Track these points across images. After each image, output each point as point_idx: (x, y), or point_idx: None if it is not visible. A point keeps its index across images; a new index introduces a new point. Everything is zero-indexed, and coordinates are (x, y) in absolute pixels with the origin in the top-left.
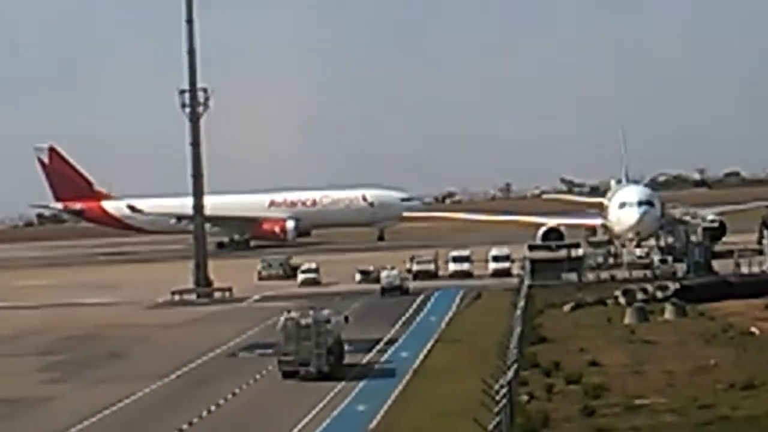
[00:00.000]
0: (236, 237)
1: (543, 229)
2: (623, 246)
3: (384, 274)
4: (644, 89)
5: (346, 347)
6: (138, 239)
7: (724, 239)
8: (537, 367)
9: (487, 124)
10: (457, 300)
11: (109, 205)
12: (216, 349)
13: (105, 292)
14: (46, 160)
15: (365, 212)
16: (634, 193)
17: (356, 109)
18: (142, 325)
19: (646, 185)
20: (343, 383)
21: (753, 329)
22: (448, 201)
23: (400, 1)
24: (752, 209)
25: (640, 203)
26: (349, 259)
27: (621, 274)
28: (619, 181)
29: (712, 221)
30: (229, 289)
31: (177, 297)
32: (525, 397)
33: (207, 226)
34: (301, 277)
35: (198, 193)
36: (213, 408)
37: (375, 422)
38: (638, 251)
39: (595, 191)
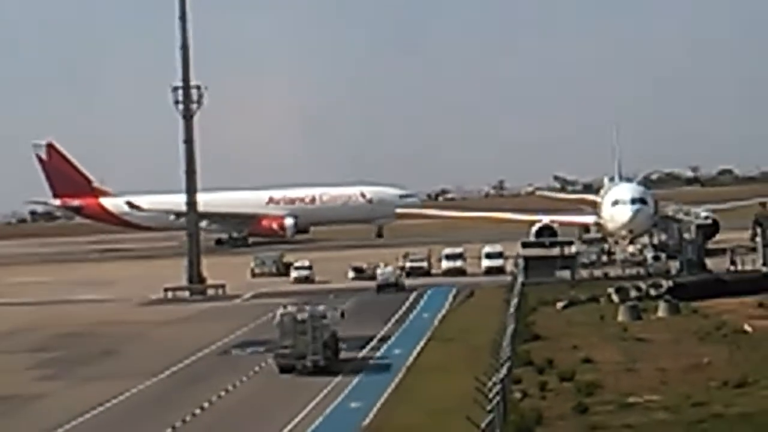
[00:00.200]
0: (234, 234)
1: (536, 227)
2: (616, 243)
3: (379, 271)
4: (638, 88)
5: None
6: (131, 236)
7: (717, 237)
8: (530, 364)
9: (481, 123)
10: (450, 297)
11: (107, 202)
12: (209, 347)
13: (98, 289)
14: (44, 156)
15: (363, 209)
16: (627, 190)
17: (352, 107)
18: (135, 323)
19: (639, 183)
20: (339, 377)
21: (746, 327)
22: (441, 198)
23: (397, 0)
24: (745, 207)
25: (633, 201)
26: (342, 256)
27: (614, 271)
28: (612, 179)
29: (705, 219)
30: (222, 287)
31: (170, 294)
32: (518, 395)
33: (205, 222)
34: (294, 274)
35: (191, 190)
36: (206, 405)
37: (368, 420)
38: (631, 249)
39: (589, 189)
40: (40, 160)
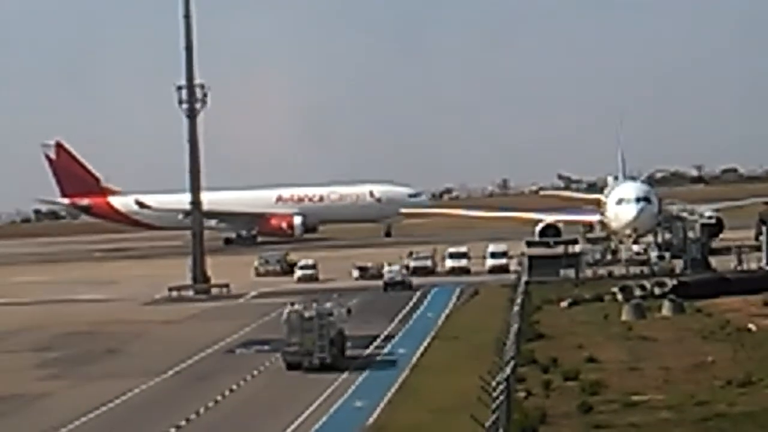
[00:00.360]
0: (243, 233)
1: (540, 226)
2: (621, 242)
3: (387, 269)
4: (642, 86)
5: None
6: (135, 235)
7: (721, 236)
8: (534, 363)
9: (485, 122)
10: (455, 296)
11: (116, 201)
12: (213, 346)
13: (102, 289)
14: (53, 156)
15: (372, 208)
16: (631, 189)
17: (356, 106)
18: (139, 322)
19: (643, 182)
20: (344, 374)
21: (750, 326)
22: (445, 197)
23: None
24: (749, 205)
25: (637, 200)
26: (346, 255)
27: (618, 270)
28: (616, 178)
29: (710, 218)
30: (227, 286)
31: (174, 293)
32: (522, 394)
33: (214, 222)
34: (298, 273)
35: (195, 190)
36: (211, 404)
37: (372, 418)
38: (636, 248)
39: (593, 188)
40: (49, 159)
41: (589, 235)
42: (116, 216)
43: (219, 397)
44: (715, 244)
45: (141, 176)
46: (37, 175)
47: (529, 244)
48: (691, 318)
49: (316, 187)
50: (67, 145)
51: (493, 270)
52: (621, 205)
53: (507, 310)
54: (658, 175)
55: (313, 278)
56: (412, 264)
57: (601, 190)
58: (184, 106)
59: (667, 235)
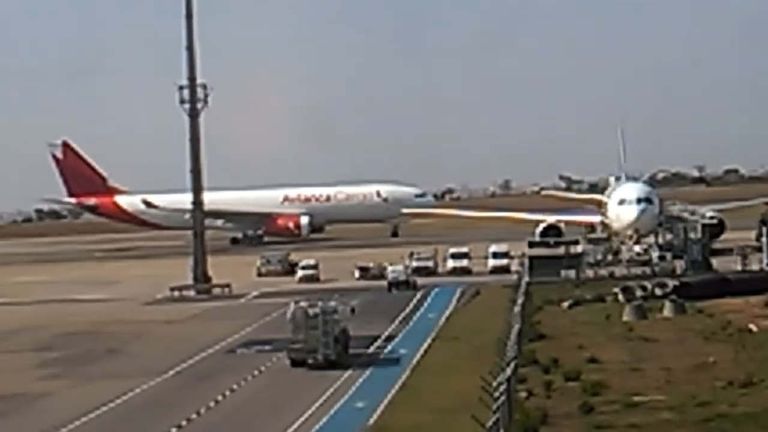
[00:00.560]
0: (250, 233)
1: (542, 226)
2: (622, 243)
3: (390, 268)
4: (643, 87)
5: None
6: (137, 235)
7: (723, 236)
8: (536, 364)
9: (487, 122)
10: (456, 297)
11: (122, 201)
12: (214, 346)
13: (103, 289)
14: (59, 155)
15: (379, 208)
16: (633, 190)
17: (357, 106)
18: (140, 322)
19: (644, 182)
20: (345, 375)
21: (751, 326)
22: (447, 198)
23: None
24: (754, 206)
25: (639, 200)
26: (348, 255)
27: (620, 271)
28: (617, 179)
29: (711, 218)
30: (228, 286)
31: (175, 293)
32: (524, 394)
33: (220, 221)
34: (299, 273)
35: (197, 189)
36: (212, 404)
37: (373, 419)
38: (637, 248)
39: (594, 188)
40: (56, 158)
41: (591, 236)
42: (123, 215)
43: (220, 397)
44: (716, 245)
45: (142, 176)
46: (39, 175)
47: (531, 244)
48: (692, 319)
49: (323, 187)
50: (73, 145)
51: (495, 270)
52: (622, 206)
53: (508, 311)
54: (660, 175)
55: (314, 278)
56: (414, 264)
57: (602, 191)
58: (186, 105)
59: (669, 236)
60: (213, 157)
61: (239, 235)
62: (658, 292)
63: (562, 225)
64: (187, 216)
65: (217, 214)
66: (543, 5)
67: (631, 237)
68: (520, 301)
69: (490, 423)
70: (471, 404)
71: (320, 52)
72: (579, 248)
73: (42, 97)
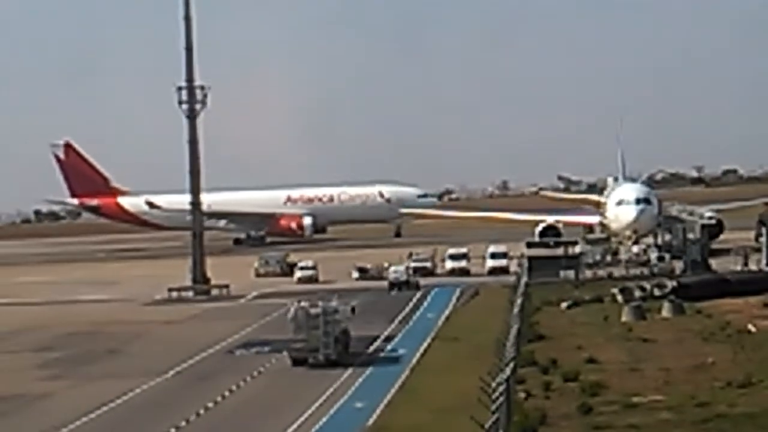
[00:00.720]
0: (252, 233)
1: (541, 227)
2: (621, 244)
3: (392, 269)
4: (642, 87)
5: None
6: (137, 236)
7: (721, 237)
8: (534, 364)
9: (485, 123)
10: (455, 297)
11: (125, 201)
12: (214, 347)
13: (103, 289)
14: (62, 156)
15: (382, 209)
16: (631, 190)
17: (355, 107)
18: (139, 322)
19: (643, 183)
20: (345, 375)
21: (750, 327)
22: (445, 198)
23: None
24: (750, 207)
25: (637, 201)
26: (347, 256)
27: (618, 271)
28: (616, 179)
29: (710, 219)
30: (227, 287)
31: (174, 294)
32: (522, 395)
33: (222, 222)
34: (298, 274)
35: (195, 190)
36: (211, 405)
37: (372, 419)
38: (636, 249)
39: (593, 189)
40: (58, 159)
41: (589, 237)
42: (125, 216)
43: (219, 398)
44: (715, 245)
45: (142, 177)
46: (38, 176)
47: (529, 245)
48: (691, 319)
49: (326, 188)
50: (76, 145)
51: (493, 271)
52: (621, 207)
53: (507, 311)
54: (658, 176)
55: (313, 279)
56: (412, 265)
57: (601, 191)
58: (184, 106)
59: (667, 237)
60: (213, 158)
61: (242, 235)
62: (656, 292)
63: (560, 225)
64: (189, 217)
65: (220, 215)
66: (543, 5)
67: (629, 237)
68: (518, 301)
69: (488, 423)
70: (470, 405)
71: (319, 52)
72: (578, 249)
73: (40, 97)
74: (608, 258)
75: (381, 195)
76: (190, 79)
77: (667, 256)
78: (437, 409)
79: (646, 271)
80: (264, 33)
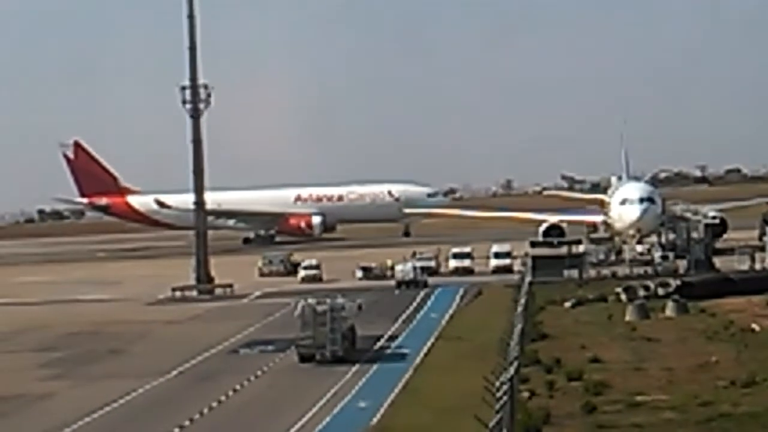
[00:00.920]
0: (262, 232)
1: (544, 226)
2: (624, 243)
3: (398, 268)
4: (645, 86)
5: None
6: (140, 235)
7: (725, 236)
8: (538, 363)
9: (489, 122)
10: (458, 297)
11: (135, 201)
12: (217, 346)
13: (106, 289)
14: (71, 155)
15: (391, 208)
16: (635, 189)
17: (359, 106)
18: (142, 322)
19: (647, 182)
20: (348, 376)
21: (754, 326)
22: (449, 197)
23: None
24: (755, 205)
25: (641, 200)
26: (350, 255)
27: (622, 270)
28: (620, 178)
29: (713, 218)
30: (230, 286)
31: (178, 293)
32: (526, 394)
33: (232, 221)
34: (302, 273)
35: (199, 190)
36: (214, 405)
37: (376, 419)
38: (639, 248)
39: (596, 188)
40: (67, 159)
41: (593, 236)
42: (135, 215)
43: (223, 398)
44: (718, 244)
45: (145, 177)
46: (42, 176)
47: (533, 244)
48: (694, 318)
49: (335, 187)
50: (85, 145)
51: (497, 270)
52: (625, 206)
53: (511, 311)
54: (662, 175)
55: (316, 278)
56: (416, 264)
57: (604, 191)
58: (188, 106)
59: (671, 236)
60: (217, 158)
61: (252, 234)
62: (660, 291)
63: (564, 225)
64: None
65: (229, 214)
66: (544, 5)
67: (633, 237)
68: (522, 300)
69: (492, 423)
70: (473, 404)
71: (322, 51)
72: (581, 248)
73: (43, 98)
74: (612, 257)
75: (390, 194)
76: (193, 78)
77: (670, 255)
78: (441, 408)
79: (649, 270)
80: (267, 32)
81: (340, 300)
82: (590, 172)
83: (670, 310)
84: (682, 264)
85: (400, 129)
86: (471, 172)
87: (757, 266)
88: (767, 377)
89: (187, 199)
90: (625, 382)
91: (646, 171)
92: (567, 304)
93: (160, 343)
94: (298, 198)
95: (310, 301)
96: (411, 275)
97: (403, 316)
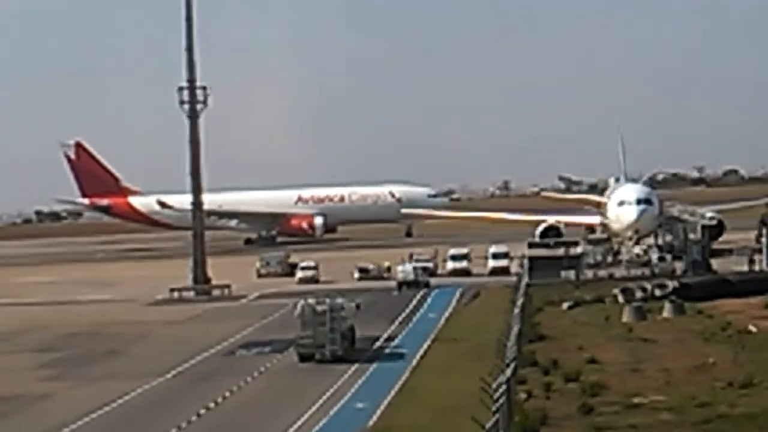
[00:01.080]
0: (263, 233)
1: (542, 227)
2: (622, 244)
3: (399, 268)
4: (643, 87)
5: None
6: (138, 236)
7: (722, 237)
8: (535, 365)
9: (486, 123)
10: (456, 298)
11: (136, 201)
12: (215, 347)
13: (104, 289)
14: (72, 156)
15: (392, 208)
16: (632, 191)
17: (356, 107)
18: (140, 323)
19: (644, 183)
20: (345, 377)
21: (751, 327)
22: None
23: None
24: (751, 207)
25: (638, 201)
26: (348, 256)
27: (619, 272)
28: (617, 180)
29: (711, 219)
30: (228, 287)
31: (175, 294)
32: (523, 395)
33: (234, 222)
34: (299, 274)
35: (196, 190)
36: (212, 405)
37: (372, 420)
38: (637, 249)
39: (594, 189)
40: (69, 159)
41: (591, 237)
42: (136, 216)
43: (220, 399)
44: (716, 245)
45: (143, 177)
46: (39, 177)
47: (530, 245)
48: (692, 319)
49: (337, 188)
50: (86, 145)
51: (495, 271)
52: (622, 207)
53: (508, 312)
54: (660, 176)
55: (314, 279)
56: (414, 265)
57: (601, 192)
58: (186, 107)
59: (668, 237)
60: (220, 158)
61: (253, 235)
62: (657, 293)
63: (561, 226)
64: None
65: (231, 215)
66: (543, 5)
67: (630, 238)
68: (519, 302)
69: (489, 424)
70: (471, 405)
71: (319, 52)
72: (579, 249)
73: (40, 99)
74: (609, 258)
75: (392, 195)
76: (191, 79)
77: (668, 256)
78: (438, 409)
79: (647, 271)
80: (268, 32)
81: (339, 300)
82: (588, 173)
83: (667, 311)
84: (679, 265)
85: (399, 129)
86: (468, 172)
87: (755, 268)
88: (764, 379)
89: (188, 200)
90: (622, 383)
91: (644, 172)
92: (564, 306)
93: (157, 344)
94: (299, 199)
95: (310, 301)
96: (412, 276)
97: (401, 317)
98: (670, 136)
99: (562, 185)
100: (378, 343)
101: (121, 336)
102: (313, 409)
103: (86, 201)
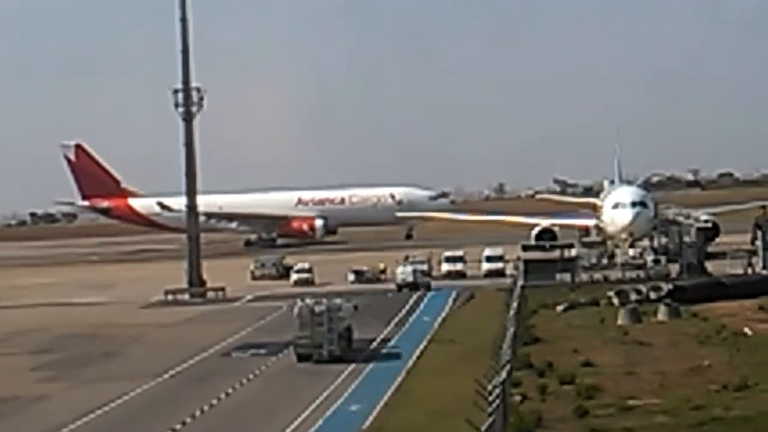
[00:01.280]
0: (264, 235)
1: (536, 230)
2: (616, 247)
3: (399, 270)
4: (638, 90)
5: None
6: (133, 238)
7: (717, 240)
8: (530, 367)
9: (481, 125)
10: (451, 300)
11: (136, 203)
12: (209, 349)
13: (99, 292)
14: (72, 157)
15: (393, 211)
16: (627, 193)
17: (352, 109)
18: (135, 325)
19: (639, 186)
20: (341, 377)
21: (746, 330)
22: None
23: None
24: (746, 210)
25: (633, 204)
26: (342, 259)
27: (614, 274)
28: (612, 182)
29: (706, 222)
30: (222, 289)
31: (170, 297)
32: (518, 398)
33: (234, 224)
34: (294, 277)
35: (191, 193)
36: (206, 407)
37: (368, 422)
38: (632, 252)
39: (589, 192)
40: (68, 161)
41: (585, 240)
42: (136, 218)
43: (215, 401)
44: (710, 248)
45: (141, 178)
46: (34, 179)
47: (525, 248)
48: (687, 322)
49: (337, 190)
50: (86, 147)
51: (489, 274)
52: (617, 210)
53: (503, 314)
54: (654, 179)
55: (308, 282)
56: (409, 268)
57: (597, 194)
58: (181, 109)
59: (663, 240)
60: (219, 159)
61: (253, 237)
62: (652, 295)
63: (556, 228)
64: (202, 219)
65: (230, 217)
66: (542, 6)
67: (625, 240)
68: (514, 304)
69: (484, 426)
70: (466, 407)
71: (317, 53)
72: (574, 252)
73: (35, 101)
74: (604, 261)
75: (392, 197)
76: (186, 81)
77: (663, 259)
78: (433, 411)
79: (642, 274)
80: (268, 32)
81: (337, 300)
82: (583, 176)
83: (662, 314)
84: (674, 268)
85: (393, 132)
86: (463, 175)
87: (749, 270)
88: (759, 381)
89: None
90: (617, 386)
91: (639, 175)
92: (559, 308)
93: (153, 345)
94: (299, 201)
95: (308, 301)
96: (411, 278)
97: (396, 319)
98: (665, 138)
99: (557, 188)
100: (373, 345)
101: (116, 338)
102: (308, 411)
103: (86, 203)
